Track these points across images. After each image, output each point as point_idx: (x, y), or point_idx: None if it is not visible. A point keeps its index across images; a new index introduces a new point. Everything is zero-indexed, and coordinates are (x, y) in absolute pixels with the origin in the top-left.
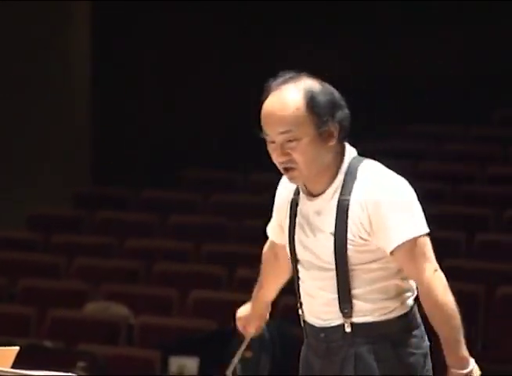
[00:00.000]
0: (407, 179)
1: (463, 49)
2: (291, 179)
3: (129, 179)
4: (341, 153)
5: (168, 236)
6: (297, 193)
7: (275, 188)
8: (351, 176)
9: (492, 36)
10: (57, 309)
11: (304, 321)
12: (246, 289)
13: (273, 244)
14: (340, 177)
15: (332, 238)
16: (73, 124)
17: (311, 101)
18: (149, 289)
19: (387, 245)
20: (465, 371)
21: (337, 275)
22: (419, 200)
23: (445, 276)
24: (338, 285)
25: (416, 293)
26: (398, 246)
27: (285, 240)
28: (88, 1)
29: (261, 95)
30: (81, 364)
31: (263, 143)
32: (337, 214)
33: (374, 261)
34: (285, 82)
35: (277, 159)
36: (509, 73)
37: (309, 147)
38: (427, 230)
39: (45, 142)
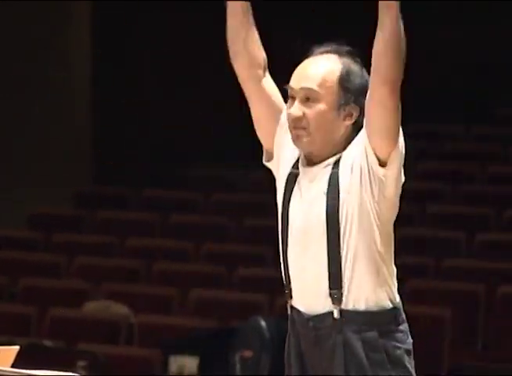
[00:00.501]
0: (406, 179)
1: (463, 49)
2: (296, 139)
3: (129, 179)
4: (352, 139)
5: (169, 235)
6: (296, 166)
7: (275, 187)
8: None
9: (492, 36)
10: (58, 308)
11: (291, 308)
12: (246, 288)
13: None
14: (339, 154)
15: (324, 197)
16: (73, 124)
17: (345, 75)
18: (150, 288)
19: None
20: None
21: (328, 241)
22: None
23: (445, 276)
24: (328, 254)
25: (396, 289)
26: None
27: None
28: (88, 1)
29: None
30: (81, 363)
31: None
32: (329, 180)
33: (362, 232)
34: (328, 51)
35: (291, 113)
36: (509, 72)
37: (324, 115)
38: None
39: (45, 142)
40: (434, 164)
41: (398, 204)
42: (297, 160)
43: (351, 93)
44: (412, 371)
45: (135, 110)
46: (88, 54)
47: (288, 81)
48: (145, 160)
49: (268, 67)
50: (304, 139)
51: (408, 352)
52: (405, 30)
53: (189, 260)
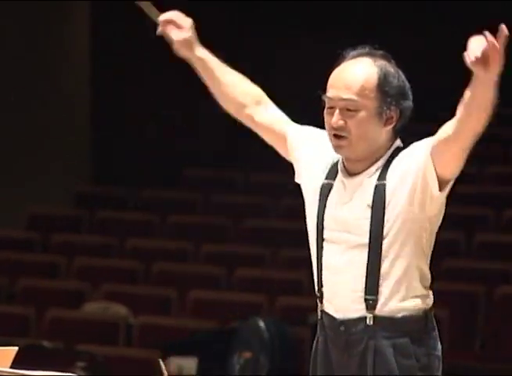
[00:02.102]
0: None
1: (462, 49)
2: (338, 147)
3: (129, 179)
4: (391, 142)
5: (168, 236)
6: (332, 177)
7: (275, 188)
8: (391, 162)
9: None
10: (56, 308)
11: (322, 312)
12: (245, 289)
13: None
14: (381, 162)
15: (369, 210)
16: (72, 125)
17: (383, 79)
18: (149, 289)
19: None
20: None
21: (369, 250)
22: None
23: (444, 277)
24: (368, 261)
25: (431, 296)
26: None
27: (288, 146)
28: (88, 1)
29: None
30: (80, 364)
31: (263, 144)
32: (374, 192)
33: (405, 244)
34: (362, 55)
35: (332, 123)
36: (509, 73)
37: (366, 122)
38: None
39: (45, 142)
40: None
41: (440, 219)
42: (330, 171)
43: (391, 96)
44: None
45: (135, 109)
46: (88, 54)
47: (325, 88)
48: (144, 161)
49: (270, 73)
50: (346, 148)
51: (438, 358)
52: (404, 30)
53: (189, 261)
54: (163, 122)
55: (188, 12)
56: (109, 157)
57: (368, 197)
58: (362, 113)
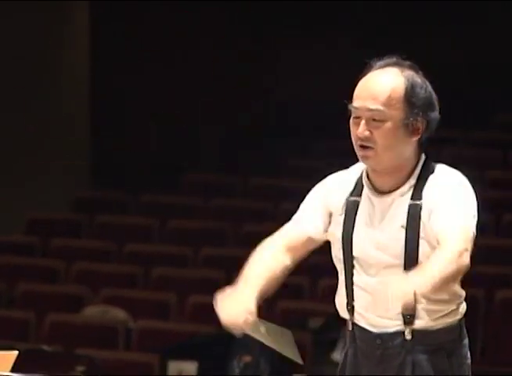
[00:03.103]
0: None
1: (463, 53)
2: (364, 158)
3: (128, 184)
4: (418, 154)
5: (167, 240)
6: (357, 194)
7: (274, 192)
8: (424, 179)
9: (492, 40)
10: (56, 313)
11: (353, 324)
12: None
13: (297, 238)
14: (414, 178)
15: (403, 231)
16: (73, 127)
17: (410, 89)
18: (148, 293)
19: (436, 223)
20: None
21: (404, 270)
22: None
23: None
24: None
25: (464, 301)
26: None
27: (324, 234)
28: (87, 1)
29: (260, 99)
30: (79, 368)
31: (262, 148)
32: (408, 213)
33: None
34: (389, 65)
35: (358, 134)
36: (509, 77)
37: (392, 133)
38: (474, 230)
39: (45, 145)
40: None
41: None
42: (354, 189)
43: (417, 107)
44: None
45: (135, 113)
46: (87, 54)
47: (350, 97)
48: (143, 166)
49: (271, 75)
50: (372, 159)
51: (468, 366)
52: (404, 30)
53: (188, 265)
54: (163, 126)
55: (188, 12)
56: (108, 161)
57: (401, 218)
58: (389, 124)
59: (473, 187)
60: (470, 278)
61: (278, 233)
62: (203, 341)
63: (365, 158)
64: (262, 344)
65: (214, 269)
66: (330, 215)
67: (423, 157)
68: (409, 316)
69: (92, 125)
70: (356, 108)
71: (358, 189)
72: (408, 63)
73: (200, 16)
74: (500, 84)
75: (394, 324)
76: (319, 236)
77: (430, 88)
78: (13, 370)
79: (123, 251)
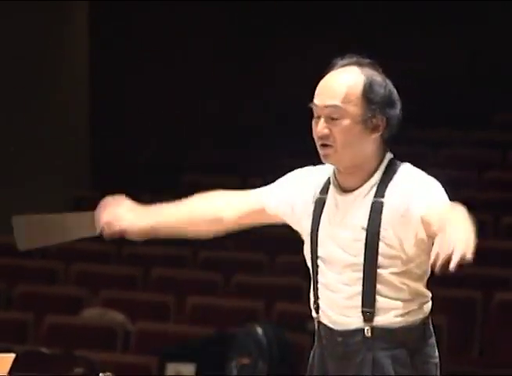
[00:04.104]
0: None
1: (463, 53)
2: (324, 156)
3: (128, 184)
4: (382, 153)
5: (166, 242)
6: (324, 191)
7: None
8: (387, 177)
9: (492, 40)
10: (54, 315)
11: (318, 322)
12: (243, 295)
13: (245, 204)
14: (377, 176)
15: (364, 232)
16: (73, 127)
17: (368, 86)
18: (147, 295)
19: (417, 210)
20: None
21: (364, 270)
22: None
23: (442, 283)
24: (364, 280)
25: (430, 301)
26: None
27: (275, 213)
28: (87, 1)
29: (260, 99)
30: (78, 370)
31: (262, 149)
32: (370, 212)
33: (402, 265)
34: (350, 64)
35: (317, 132)
36: (509, 77)
37: (350, 130)
38: None
39: (45, 145)
40: (432, 170)
41: None
42: (323, 187)
43: (376, 105)
44: None
45: (135, 112)
46: (87, 54)
47: (312, 97)
48: (143, 166)
49: (271, 76)
50: (332, 157)
51: (435, 365)
52: (403, 30)
53: (187, 267)
54: (163, 126)
55: (188, 12)
56: (108, 160)
57: (362, 218)
58: (347, 121)
59: (445, 189)
60: (468, 280)
61: (239, 191)
62: (201, 343)
63: (326, 157)
64: (261, 345)
65: (213, 270)
66: (292, 206)
67: (388, 155)
68: (368, 313)
69: (92, 125)
70: (315, 105)
71: (325, 188)
72: (368, 61)
73: (200, 16)
74: (500, 84)
75: (354, 322)
76: (271, 211)
77: (390, 86)
78: (11, 372)
79: (122, 253)
